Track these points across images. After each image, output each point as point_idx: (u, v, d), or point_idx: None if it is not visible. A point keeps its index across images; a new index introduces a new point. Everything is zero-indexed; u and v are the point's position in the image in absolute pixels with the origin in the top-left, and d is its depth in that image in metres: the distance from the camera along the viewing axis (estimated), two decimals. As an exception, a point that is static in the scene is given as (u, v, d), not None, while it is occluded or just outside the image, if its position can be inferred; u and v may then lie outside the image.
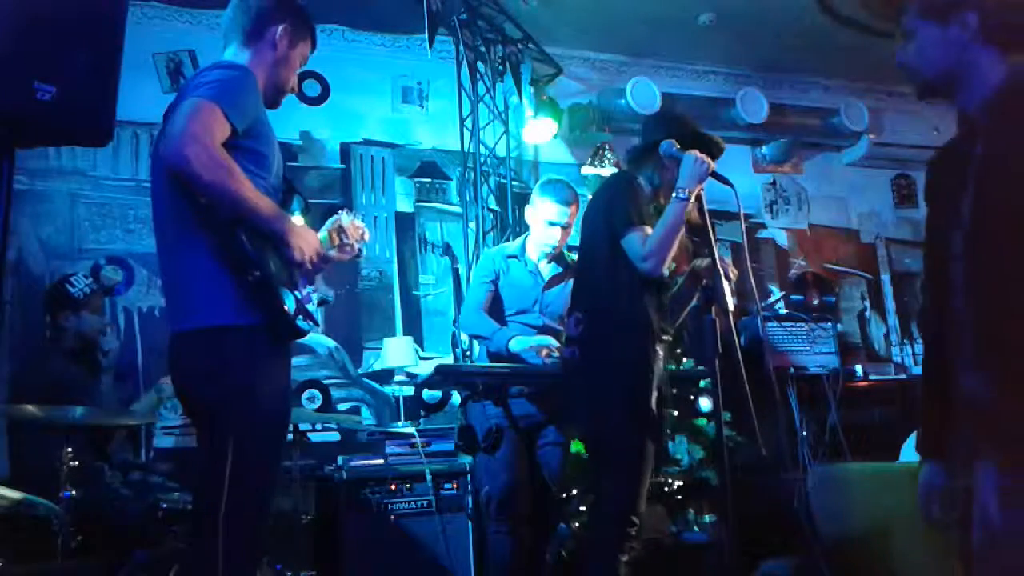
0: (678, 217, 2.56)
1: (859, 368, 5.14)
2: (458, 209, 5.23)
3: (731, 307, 2.33)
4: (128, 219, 4.60)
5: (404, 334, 4.92)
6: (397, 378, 4.86)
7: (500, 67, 5.07)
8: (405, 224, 5.22)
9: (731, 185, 2.49)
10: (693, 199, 2.55)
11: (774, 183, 6.27)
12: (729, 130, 5.67)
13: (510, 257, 3.60)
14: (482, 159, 5.09)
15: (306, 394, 4.73)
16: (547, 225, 3.48)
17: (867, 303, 6.28)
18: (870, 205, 6.44)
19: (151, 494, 3.37)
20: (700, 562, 4.00)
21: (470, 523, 3.75)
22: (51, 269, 4.40)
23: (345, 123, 5.17)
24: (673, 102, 5.56)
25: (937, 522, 1.65)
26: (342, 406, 4.81)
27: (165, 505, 3.22)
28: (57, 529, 2.86)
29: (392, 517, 3.67)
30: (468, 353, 4.55)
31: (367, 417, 4.84)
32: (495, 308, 3.54)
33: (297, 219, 2.14)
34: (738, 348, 2.25)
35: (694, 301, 2.72)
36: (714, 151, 2.67)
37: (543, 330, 3.44)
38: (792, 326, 4.93)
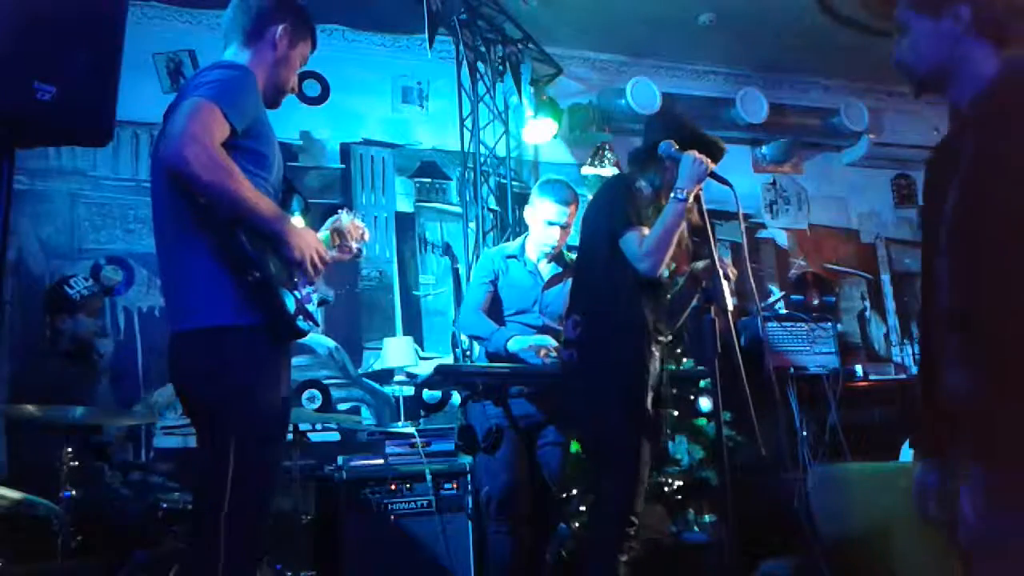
0: (676, 217, 2.56)
1: (859, 368, 5.14)
2: (458, 209, 5.23)
3: (730, 307, 2.33)
4: (128, 219, 4.60)
5: (404, 334, 4.92)
6: (397, 378, 4.86)
7: (500, 67, 5.07)
8: (405, 224, 5.23)
9: (730, 185, 2.49)
10: (692, 200, 2.55)
11: (774, 183, 6.27)
12: (729, 130, 5.67)
13: (509, 257, 3.60)
14: (482, 159, 5.09)
15: (306, 394, 4.73)
16: (546, 225, 3.48)
17: (867, 303, 6.28)
18: (870, 205, 6.44)
19: (151, 494, 3.38)
20: (700, 562, 4.01)
21: (470, 523, 3.75)
22: (51, 269, 4.40)
23: (345, 123, 5.18)
24: (673, 102, 5.56)
25: (932, 520, 1.65)
26: (342, 406, 4.82)
27: (165, 505, 3.22)
28: (57, 529, 2.86)
29: (392, 517, 3.67)
30: (468, 353, 4.55)
31: (367, 417, 4.84)
32: (494, 308, 3.54)
33: (297, 220, 2.14)
34: (737, 348, 2.25)
35: (694, 302, 2.73)
36: (715, 152, 2.67)
37: (543, 330, 3.44)
38: (792, 326, 4.93)
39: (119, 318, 4.47)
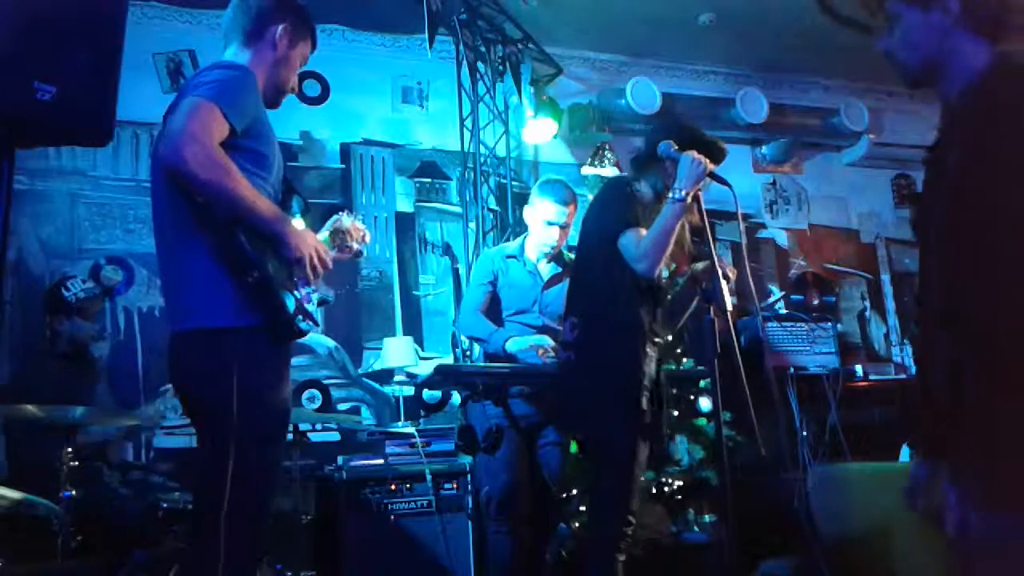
0: (673, 218, 2.55)
1: (859, 368, 5.14)
2: (458, 209, 5.23)
3: (730, 307, 2.33)
4: (128, 219, 4.60)
5: (404, 334, 4.93)
6: (397, 378, 4.86)
7: (500, 67, 5.08)
8: (405, 224, 5.23)
9: (729, 186, 2.49)
10: (691, 200, 2.55)
11: (774, 183, 6.27)
12: (729, 130, 5.67)
13: (509, 257, 3.60)
14: (482, 159, 5.09)
15: (306, 394, 4.73)
16: (545, 225, 3.49)
17: (867, 303, 6.28)
18: (870, 205, 6.45)
19: (151, 494, 3.38)
20: (700, 562, 4.01)
21: (470, 523, 3.75)
22: (51, 269, 4.40)
23: (345, 123, 5.18)
24: (673, 102, 5.57)
25: (921, 514, 1.64)
26: (342, 406, 4.82)
27: (165, 505, 3.23)
28: (57, 529, 2.86)
29: (392, 517, 3.67)
30: (468, 353, 4.55)
31: (367, 417, 4.84)
32: (493, 309, 3.54)
33: (297, 221, 2.14)
34: (737, 348, 2.25)
35: (694, 304, 2.73)
36: (715, 153, 2.67)
37: (542, 330, 3.44)
38: (792, 326, 4.93)
39: (119, 318, 4.47)
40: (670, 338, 2.89)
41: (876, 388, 4.98)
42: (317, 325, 2.14)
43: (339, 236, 2.36)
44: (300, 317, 2.00)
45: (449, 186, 5.34)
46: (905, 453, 3.68)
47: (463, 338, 4.63)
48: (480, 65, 5.14)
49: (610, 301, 2.67)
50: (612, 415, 2.59)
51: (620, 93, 5.43)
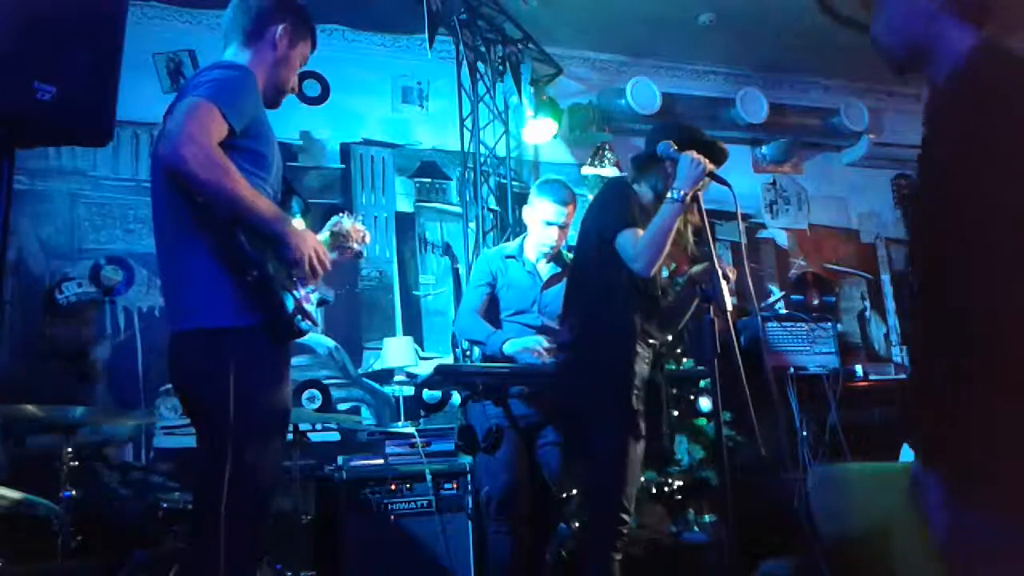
0: (671, 218, 2.55)
1: (859, 368, 5.13)
2: (458, 209, 5.24)
3: (730, 307, 2.33)
4: (128, 219, 4.60)
5: (404, 334, 4.93)
6: (397, 378, 4.86)
7: (500, 67, 5.08)
8: (405, 224, 5.23)
9: (729, 186, 2.49)
10: (690, 201, 2.54)
11: (774, 183, 6.27)
12: (729, 130, 5.68)
13: (508, 257, 3.61)
14: (482, 159, 5.09)
15: (306, 394, 4.73)
16: (544, 225, 3.49)
17: (867, 303, 6.28)
18: (870, 205, 6.45)
19: (151, 494, 3.37)
20: (700, 562, 4.00)
21: (470, 523, 3.75)
22: (51, 269, 4.40)
23: (345, 123, 5.18)
24: (673, 102, 5.57)
25: (922, 514, 1.64)
26: (342, 406, 4.82)
27: (165, 505, 3.22)
28: (57, 529, 2.86)
29: (392, 517, 3.67)
30: (468, 353, 4.55)
31: (367, 417, 4.84)
32: (491, 310, 3.54)
33: (297, 221, 2.14)
34: (737, 348, 2.25)
35: (694, 305, 2.73)
36: (715, 154, 2.66)
37: (542, 330, 3.45)
38: (792, 326, 4.93)
39: (119, 318, 4.47)
40: (669, 338, 2.88)
41: (876, 388, 4.97)
42: (316, 325, 2.14)
43: (339, 237, 2.36)
44: (299, 317, 2.00)
45: (449, 186, 5.34)
46: (905, 453, 3.68)
47: (463, 339, 4.63)
48: (480, 65, 5.14)
49: (605, 301, 2.67)
50: (603, 414, 2.59)
51: (620, 93, 5.44)
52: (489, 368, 3.29)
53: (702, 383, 4.30)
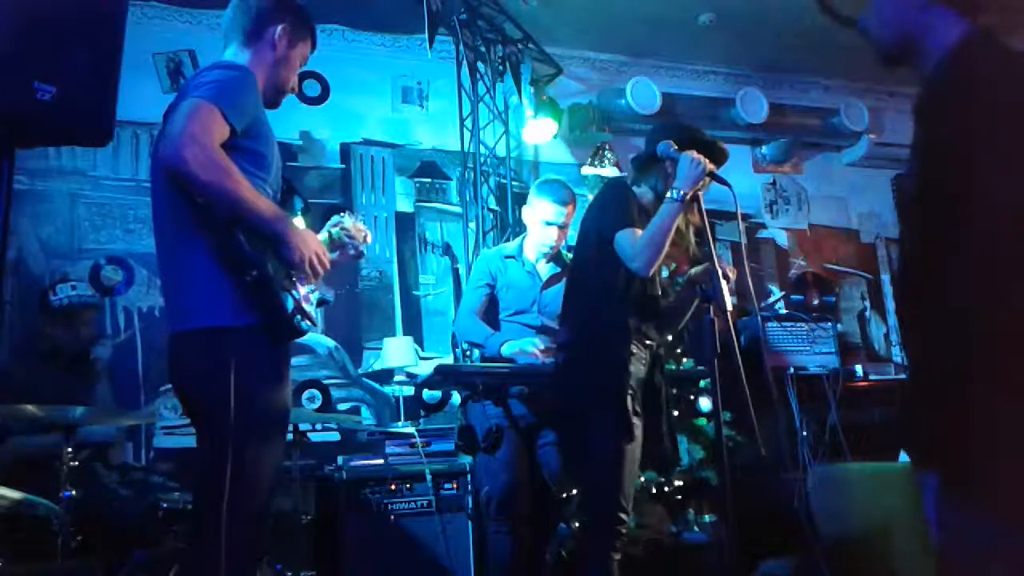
0: (670, 218, 2.54)
1: (859, 368, 5.13)
2: (458, 209, 5.24)
3: (730, 307, 2.33)
4: (128, 219, 4.60)
5: (404, 334, 4.93)
6: (397, 378, 4.86)
7: (500, 67, 5.08)
8: (405, 224, 5.23)
9: (729, 186, 2.49)
10: (690, 200, 2.54)
11: (774, 183, 6.27)
12: (729, 130, 5.68)
13: (508, 258, 3.61)
14: (482, 159, 5.09)
15: (306, 394, 4.73)
16: (544, 225, 3.49)
17: (867, 303, 6.28)
18: (870, 205, 6.45)
19: (151, 494, 3.37)
20: (700, 562, 4.00)
21: (470, 523, 3.75)
22: (51, 269, 4.40)
23: (345, 123, 5.18)
24: (673, 102, 5.57)
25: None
26: (342, 406, 4.82)
27: (165, 505, 3.22)
28: (57, 529, 2.86)
29: (392, 517, 3.67)
30: (468, 353, 4.55)
31: (367, 417, 4.84)
32: (491, 311, 3.54)
33: (298, 221, 2.14)
34: (737, 348, 2.25)
35: (694, 305, 2.73)
36: (716, 155, 2.66)
37: (541, 330, 3.45)
38: (792, 326, 4.93)
39: (119, 318, 4.48)
40: (669, 338, 2.88)
41: (876, 388, 4.97)
42: (315, 325, 2.14)
43: (340, 237, 2.36)
44: (299, 317, 2.00)
45: (449, 186, 5.34)
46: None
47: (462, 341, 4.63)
48: (480, 65, 5.14)
49: (601, 301, 2.68)
50: (599, 414, 2.59)
51: (620, 93, 5.44)
52: (489, 368, 3.29)
53: (702, 383, 4.30)
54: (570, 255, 3.48)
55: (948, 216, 1.42)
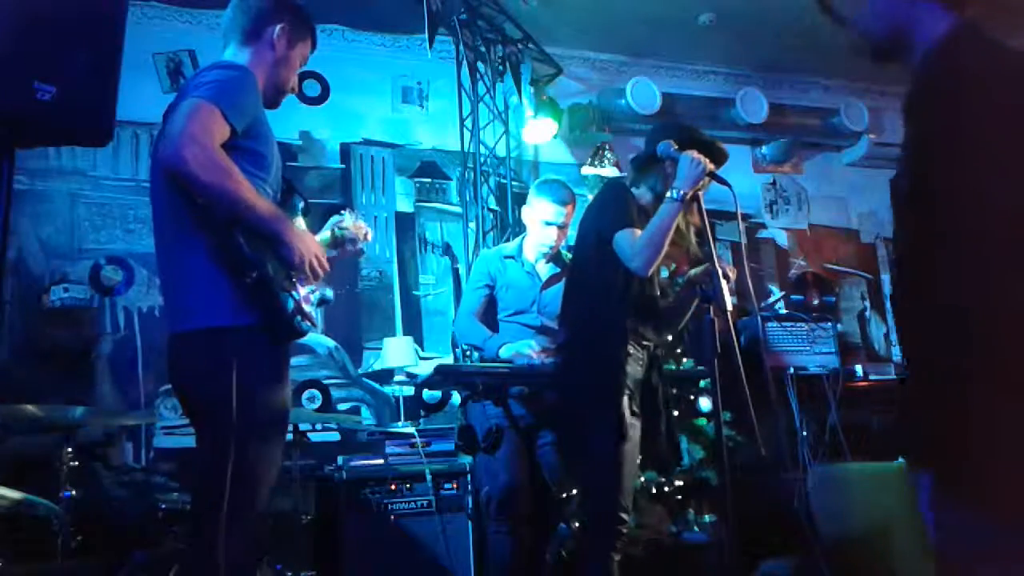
0: (670, 218, 2.54)
1: (859, 368, 5.13)
2: (458, 209, 5.24)
3: (730, 307, 2.33)
4: (128, 219, 4.60)
5: (404, 334, 4.93)
6: (397, 378, 4.86)
7: (500, 67, 5.08)
8: (405, 224, 5.23)
9: (729, 186, 2.49)
10: (690, 200, 2.54)
11: (774, 183, 6.27)
12: (729, 130, 5.68)
13: (507, 258, 3.61)
14: (482, 159, 5.09)
15: (306, 394, 4.73)
16: (543, 225, 3.49)
17: (867, 303, 6.28)
18: (870, 205, 6.44)
19: (151, 494, 3.37)
20: (700, 562, 4.00)
21: (470, 523, 3.75)
22: (51, 269, 4.40)
23: (345, 123, 5.18)
24: (673, 102, 5.57)
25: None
26: (342, 406, 4.82)
27: (165, 505, 3.22)
28: (57, 529, 2.86)
29: (392, 517, 3.67)
30: (468, 353, 4.55)
31: (367, 417, 4.84)
32: (490, 312, 3.55)
33: (298, 221, 2.14)
34: (737, 348, 2.25)
35: (693, 306, 2.73)
36: (716, 155, 2.66)
37: (541, 330, 3.45)
38: (792, 326, 4.93)
39: (119, 318, 4.48)
40: (669, 339, 2.88)
41: (876, 388, 4.97)
42: (315, 326, 2.14)
43: (341, 235, 2.36)
44: (299, 318, 2.00)
45: (449, 186, 5.34)
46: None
47: (461, 343, 4.63)
48: (480, 65, 5.14)
49: (600, 302, 2.68)
50: (597, 414, 2.60)
51: (620, 93, 5.44)
52: (489, 368, 3.28)
53: (702, 383, 4.30)
54: (570, 255, 3.49)
55: (937, 211, 1.41)
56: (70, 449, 2.94)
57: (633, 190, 2.78)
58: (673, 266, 2.80)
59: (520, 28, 4.99)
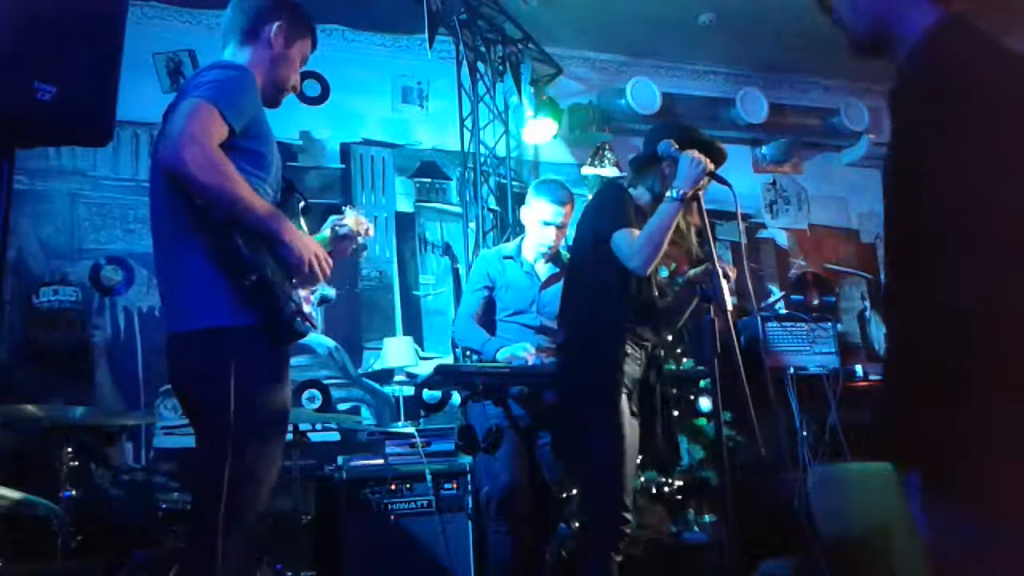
0: (669, 217, 2.55)
1: (859, 368, 5.13)
2: (458, 209, 5.24)
3: (730, 307, 2.33)
4: (128, 219, 4.60)
5: (404, 334, 4.93)
6: (397, 378, 4.86)
7: (500, 67, 5.08)
8: (405, 224, 5.23)
9: (729, 185, 2.49)
10: (690, 200, 2.54)
11: (774, 183, 6.27)
12: (729, 130, 5.68)
13: (506, 258, 3.61)
14: (482, 159, 5.09)
15: (306, 394, 4.73)
16: (542, 225, 3.49)
17: (867, 303, 6.28)
18: (870, 205, 6.44)
19: (151, 494, 3.37)
20: (700, 562, 4.00)
21: (470, 523, 3.75)
22: (51, 269, 4.40)
23: (345, 123, 5.18)
24: (673, 102, 5.57)
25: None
26: (342, 406, 4.82)
27: (165, 505, 3.22)
28: (57, 529, 2.86)
29: (392, 517, 3.66)
30: (468, 353, 4.55)
31: (367, 417, 4.84)
32: (489, 313, 3.55)
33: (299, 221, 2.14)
34: (737, 348, 2.25)
35: (692, 306, 2.73)
36: (715, 155, 2.66)
37: (540, 330, 3.45)
38: (792, 326, 4.93)
39: (119, 318, 4.48)
40: (669, 339, 2.88)
41: (876, 388, 4.97)
42: (315, 326, 2.14)
43: (342, 232, 2.36)
44: (299, 319, 2.00)
45: (449, 186, 5.34)
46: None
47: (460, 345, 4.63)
48: (480, 65, 5.14)
49: (598, 302, 2.68)
50: (595, 414, 2.59)
51: (620, 93, 5.43)
52: (489, 368, 3.29)
53: (702, 383, 4.30)
54: (569, 255, 3.49)
55: (923, 206, 1.40)
56: (70, 449, 2.94)
57: (631, 190, 2.79)
58: (673, 266, 2.80)
59: (520, 28, 4.99)
